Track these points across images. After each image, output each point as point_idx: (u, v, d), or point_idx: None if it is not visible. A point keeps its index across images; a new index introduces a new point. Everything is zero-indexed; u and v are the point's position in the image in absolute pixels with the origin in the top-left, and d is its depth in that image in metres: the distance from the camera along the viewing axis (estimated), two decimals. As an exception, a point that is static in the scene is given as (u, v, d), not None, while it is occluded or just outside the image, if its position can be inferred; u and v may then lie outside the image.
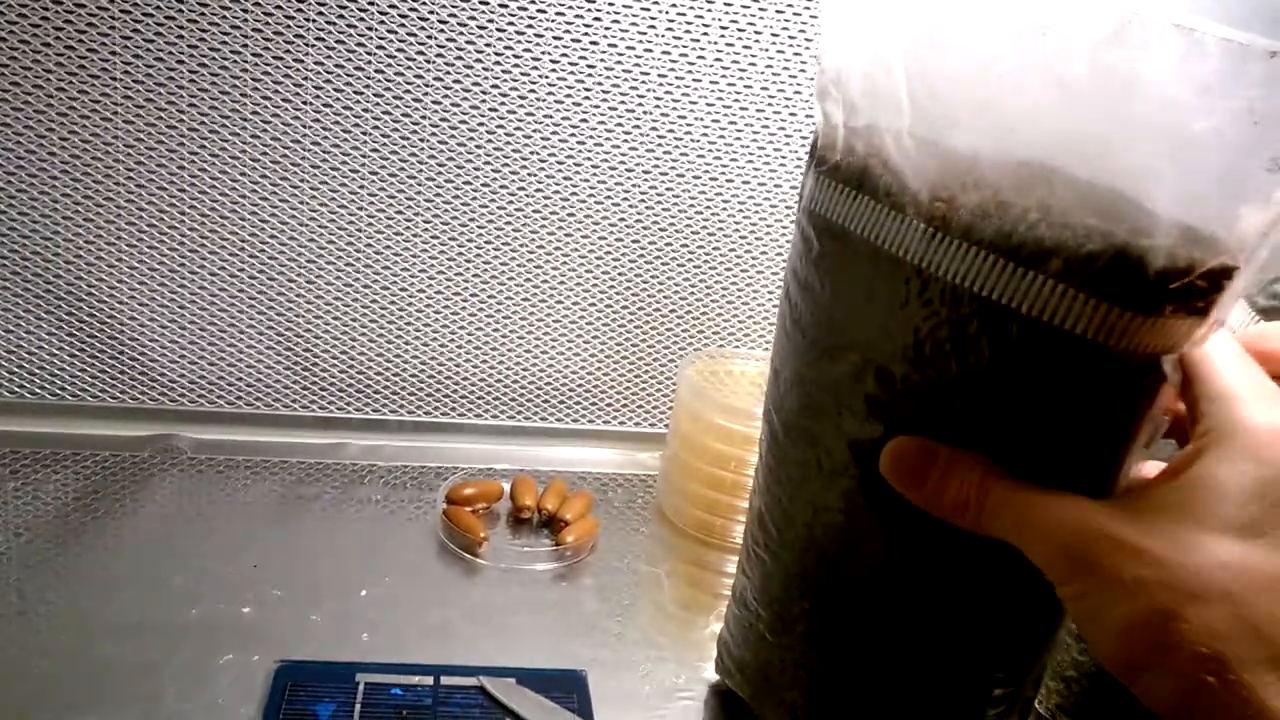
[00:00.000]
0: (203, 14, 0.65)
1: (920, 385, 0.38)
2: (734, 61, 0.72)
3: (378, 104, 0.69)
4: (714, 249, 0.78)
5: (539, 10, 0.68)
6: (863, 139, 0.40)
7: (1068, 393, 0.35)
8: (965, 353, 0.36)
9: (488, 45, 0.69)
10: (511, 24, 0.68)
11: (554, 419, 0.81)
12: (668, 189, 0.75)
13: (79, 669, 0.51)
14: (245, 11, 0.65)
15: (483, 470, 0.74)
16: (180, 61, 0.66)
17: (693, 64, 0.72)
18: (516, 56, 0.69)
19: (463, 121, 0.70)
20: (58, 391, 0.73)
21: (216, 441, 0.74)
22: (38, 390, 0.73)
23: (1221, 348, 0.35)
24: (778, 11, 0.72)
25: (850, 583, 0.44)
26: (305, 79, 0.68)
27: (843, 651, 0.45)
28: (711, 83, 0.73)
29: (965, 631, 0.42)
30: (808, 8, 0.72)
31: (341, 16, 0.66)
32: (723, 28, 0.71)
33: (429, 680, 0.53)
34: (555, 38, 0.69)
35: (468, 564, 0.64)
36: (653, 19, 0.70)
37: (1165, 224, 0.31)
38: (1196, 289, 0.32)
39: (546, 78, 0.70)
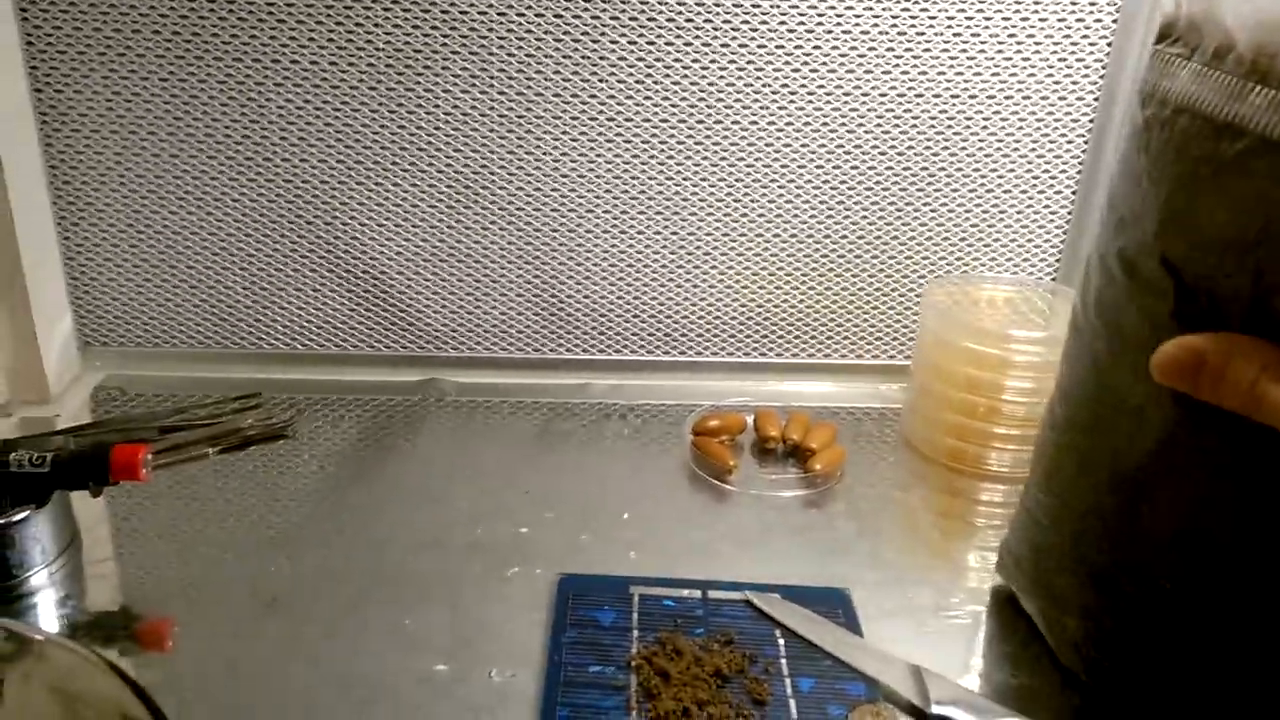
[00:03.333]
0: (453, -19, 0.69)
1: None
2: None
3: (611, 48, 0.72)
4: (956, 171, 0.76)
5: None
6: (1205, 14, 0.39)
7: None
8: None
9: (718, -15, 0.70)
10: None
11: (793, 354, 0.82)
12: (906, 111, 0.74)
13: (386, 579, 0.56)
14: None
15: (725, 405, 0.76)
16: (434, 29, 0.71)
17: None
18: (746, -7, 0.70)
19: (695, 60, 0.72)
20: (340, 344, 0.80)
21: (477, 384, 0.80)
22: (324, 343, 0.80)
23: None
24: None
25: (1131, 469, 0.43)
26: (541, 40, 0.71)
27: (1116, 540, 0.45)
28: None
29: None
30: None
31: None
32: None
33: (698, 594, 0.55)
34: (784, -30, 0.70)
35: (719, 491, 0.66)
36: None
37: None
38: None
39: (777, 4, 0.71)
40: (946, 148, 0.75)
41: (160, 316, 0.78)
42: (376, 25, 0.70)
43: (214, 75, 0.71)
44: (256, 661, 0.50)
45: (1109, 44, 0.72)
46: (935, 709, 0.47)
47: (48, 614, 0.52)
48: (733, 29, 0.71)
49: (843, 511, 0.65)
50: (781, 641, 0.52)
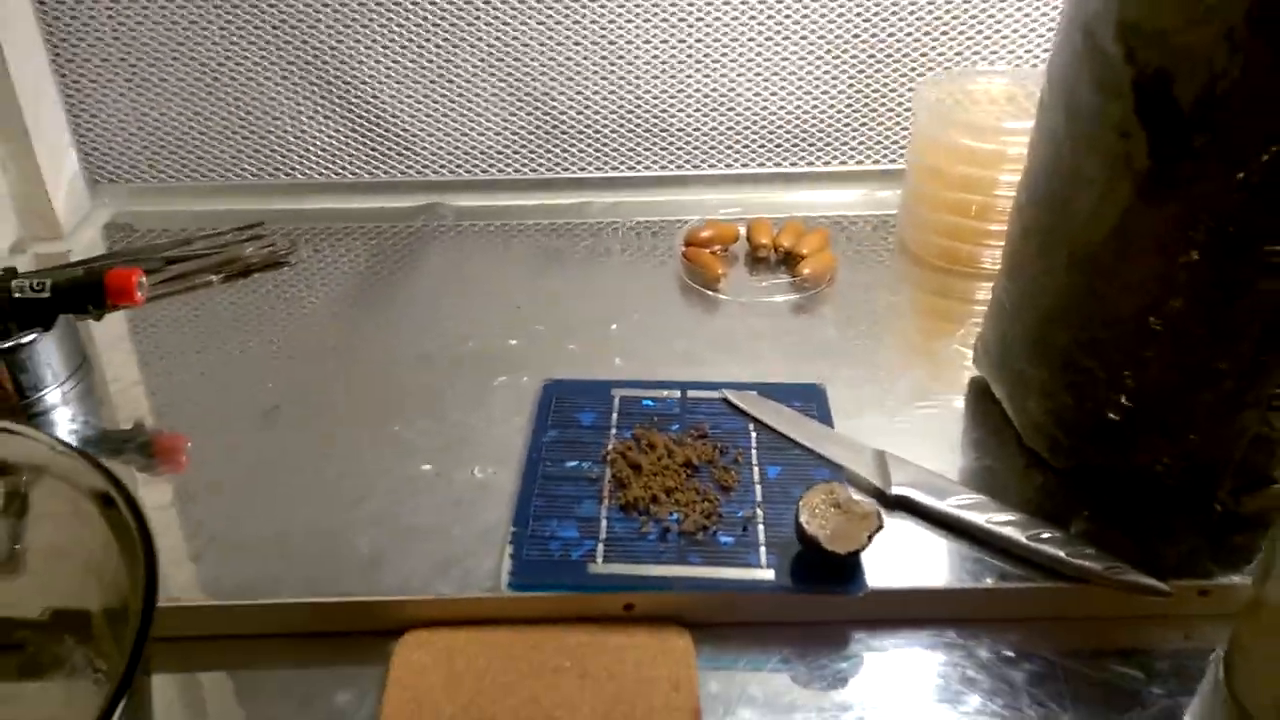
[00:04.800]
0: None
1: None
2: None
3: None
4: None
5: None
6: None
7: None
8: None
9: None
10: None
11: (788, 163, 0.80)
12: None
13: (380, 392, 0.59)
14: None
15: (719, 217, 0.76)
16: None
17: None
18: None
19: None
20: (339, 171, 0.81)
21: (476, 207, 0.80)
22: (324, 172, 0.81)
23: None
24: None
25: (1089, 248, 0.44)
26: None
27: (1075, 320, 0.46)
28: None
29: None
30: None
31: None
32: None
33: (676, 394, 0.57)
34: None
35: (708, 300, 0.67)
36: None
37: None
38: None
39: None
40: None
41: (164, 152, 0.79)
42: None
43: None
44: (258, 466, 0.53)
45: None
46: (895, 490, 0.49)
47: (62, 429, 0.55)
48: None
49: (829, 315, 0.65)
50: (754, 434, 0.54)
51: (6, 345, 0.55)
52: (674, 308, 0.67)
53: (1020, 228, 0.51)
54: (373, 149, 0.80)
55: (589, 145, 0.80)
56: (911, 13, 0.74)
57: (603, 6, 0.74)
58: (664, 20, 0.74)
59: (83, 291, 0.55)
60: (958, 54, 0.75)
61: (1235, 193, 0.39)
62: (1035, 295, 0.50)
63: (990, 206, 0.65)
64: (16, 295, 0.55)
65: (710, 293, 0.67)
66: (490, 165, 0.81)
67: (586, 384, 0.58)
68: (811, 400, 0.56)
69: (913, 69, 0.76)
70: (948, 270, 0.69)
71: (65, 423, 0.56)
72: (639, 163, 0.80)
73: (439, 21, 0.74)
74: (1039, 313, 0.49)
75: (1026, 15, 0.74)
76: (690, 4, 0.74)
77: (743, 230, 0.72)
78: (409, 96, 0.77)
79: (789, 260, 0.69)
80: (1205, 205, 0.41)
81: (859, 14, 0.74)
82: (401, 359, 0.62)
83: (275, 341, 0.64)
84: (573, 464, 0.52)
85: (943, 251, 0.69)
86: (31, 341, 0.55)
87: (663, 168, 0.80)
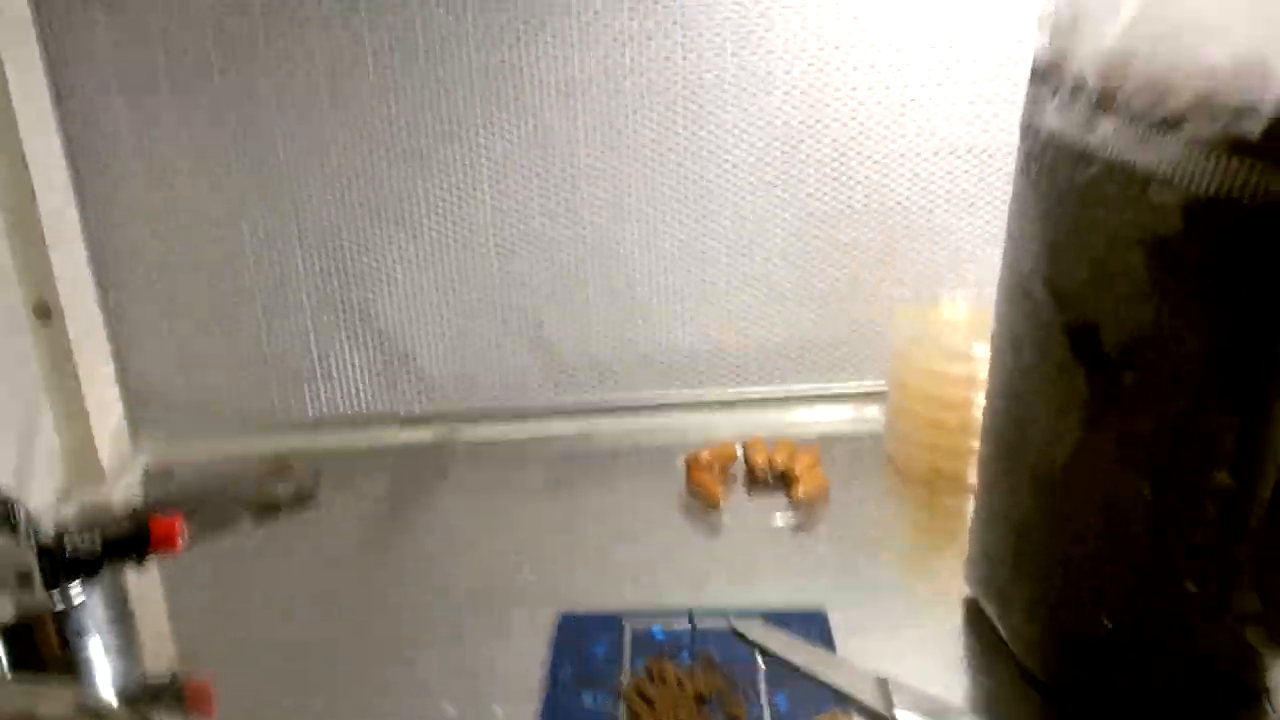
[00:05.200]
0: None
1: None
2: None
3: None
4: (909, 199, 0.80)
5: None
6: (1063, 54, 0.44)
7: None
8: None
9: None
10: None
11: (781, 383, 0.86)
12: (852, 143, 0.79)
13: (402, 628, 0.62)
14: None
15: (717, 440, 0.80)
16: (431, 100, 0.77)
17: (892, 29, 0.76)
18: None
19: (663, 87, 0.77)
20: (358, 405, 0.86)
21: (487, 437, 0.85)
22: (344, 405, 0.86)
23: None
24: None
25: (1049, 471, 0.48)
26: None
27: (1045, 538, 0.50)
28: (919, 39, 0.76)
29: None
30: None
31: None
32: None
33: (686, 623, 0.60)
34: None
35: (711, 522, 0.71)
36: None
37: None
38: None
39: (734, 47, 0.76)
40: (898, 177, 0.80)
41: (199, 396, 0.85)
42: (383, 88, 0.77)
43: (241, 157, 0.78)
44: (287, 710, 0.56)
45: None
46: (899, 715, 0.51)
47: (102, 679, 0.58)
48: (737, 68, 0.77)
49: (825, 535, 0.69)
50: (761, 662, 0.56)
51: (59, 606, 0.58)
52: (679, 531, 0.71)
53: (988, 449, 0.55)
54: (390, 381, 0.86)
55: (590, 374, 0.85)
56: (878, 243, 0.82)
57: (605, 241, 0.81)
58: (661, 256, 0.82)
59: (129, 542, 0.60)
60: (924, 280, 0.82)
61: (1170, 428, 0.44)
62: (1008, 514, 0.54)
63: (968, 424, 0.70)
64: (68, 553, 0.59)
65: (713, 515, 0.71)
66: (499, 396, 0.86)
67: (599, 617, 0.61)
68: (814, 624, 0.59)
69: (887, 296, 0.83)
70: (935, 486, 0.73)
71: (105, 672, 0.59)
72: (637, 389, 0.86)
73: (446, 251, 0.82)
74: (1013, 531, 0.53)
75: (984, 249, 0.82)
76: (668, 229, 0.81)
77: (740, 451, 0.77)
78: (421, 327, 0.84)
79: (784, 480, 0.74)
80: (1146, 438, 0.45)
81: (827, 245, 0.82)
82: (422, 594, 0.65)
83: (300, 580, 0.68)
84: (590, 700, 0.54)
85: (928, 468, 0.73)
86: (80, 596, 0.59)
87: (663, 390, 0.86)
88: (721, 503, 0.72)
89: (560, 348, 0.85)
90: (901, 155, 0.79)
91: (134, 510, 0.71)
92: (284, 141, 0.78)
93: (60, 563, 0.58)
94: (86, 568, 0.60)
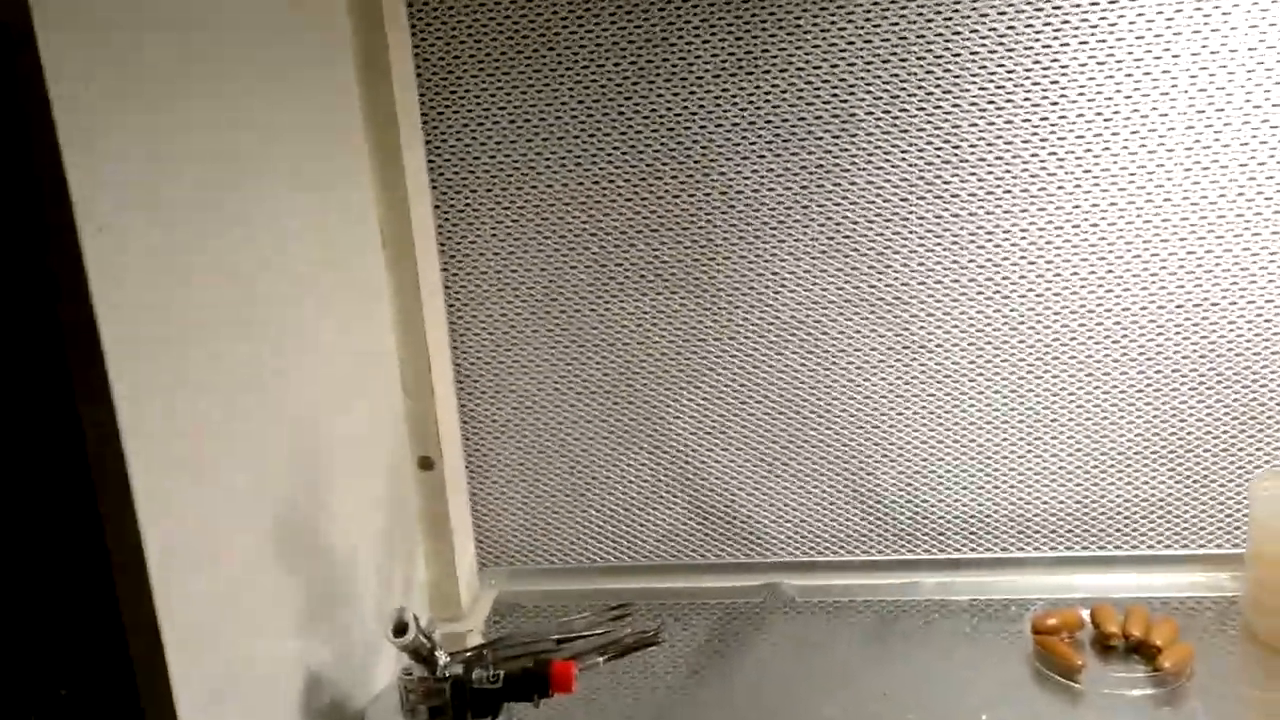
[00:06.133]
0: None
1: None
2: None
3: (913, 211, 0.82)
4: (1271, 363, 0.79)
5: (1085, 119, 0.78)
6: None
7: None
8: None
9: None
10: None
11: (1121, 545, 0.85)
12: (1224, 297, 0.79)
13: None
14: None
15: (1056, 600, 0.80)
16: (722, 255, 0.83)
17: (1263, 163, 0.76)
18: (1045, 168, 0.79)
19: (1009, 245, 0.80)
20: (689, 554, 0.91)
21: (812, 586, 0.87)
22: (675, 554, 0.91)
23: None
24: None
25: None
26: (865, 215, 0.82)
27: None
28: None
29: None
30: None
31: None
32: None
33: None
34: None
35: (1068, 691, 0.70)
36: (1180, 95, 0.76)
37: None
38: None
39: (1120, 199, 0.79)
40: (1262, 338, 0.79)
41: (540, 537, 0.92)
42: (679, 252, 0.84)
43: (589, 350, 0.87)
44: None
45: None
46: None
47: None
48: (1074, 227, 0.80)
49: (1197, 710, 0.67)
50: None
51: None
52: (1034, 698, 0.70)
53: None
54: (719, 532, 0.90)
55: (917, 528, 0.87)
56: (1237, 404, 0.80)
57: (921, 398, 0.84)
58: (993, 404, 0.83)
59: (529, 682, 0.65)
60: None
61: None
62: None
63: (1347, 601, 0.67)
64: (475, 686, 0.65)
65: (1069, 684, 0.70)
66: (824, 547, 0.89)
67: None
68: (1214, 810, 0.57)
69: (1241, 458, 0.81)
70: (1309, 662, 0.69)
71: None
72: (965, 544, 0.87)
73: (780, 415, 0.86)
74: None
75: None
76: (1008, 386, 0.83)
77: (1085, 615, 0.76)
78: (746, 480, 0.88)
79: (1141, 650, 0.72)
80: None
81: (1186, 403, 0.81)
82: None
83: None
84: None
85: (1300, 643, 0.70)
86: (485, 731, 0.65)
87: (989, 549, 0.86)
88: (1080, 673, 0.70)
89: (883, 501, 0.87)
90: (1268, 320, 0.79)
91: (516, 654, 0.78)
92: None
93: (468, 697, 0.64)
94: (488, 703, 0.65)
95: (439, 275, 0.85)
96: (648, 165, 0.82)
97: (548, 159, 0.83)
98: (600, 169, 0.82)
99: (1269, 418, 0.80)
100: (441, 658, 0.66)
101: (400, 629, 0.61)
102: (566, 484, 0.91)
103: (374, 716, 0.69)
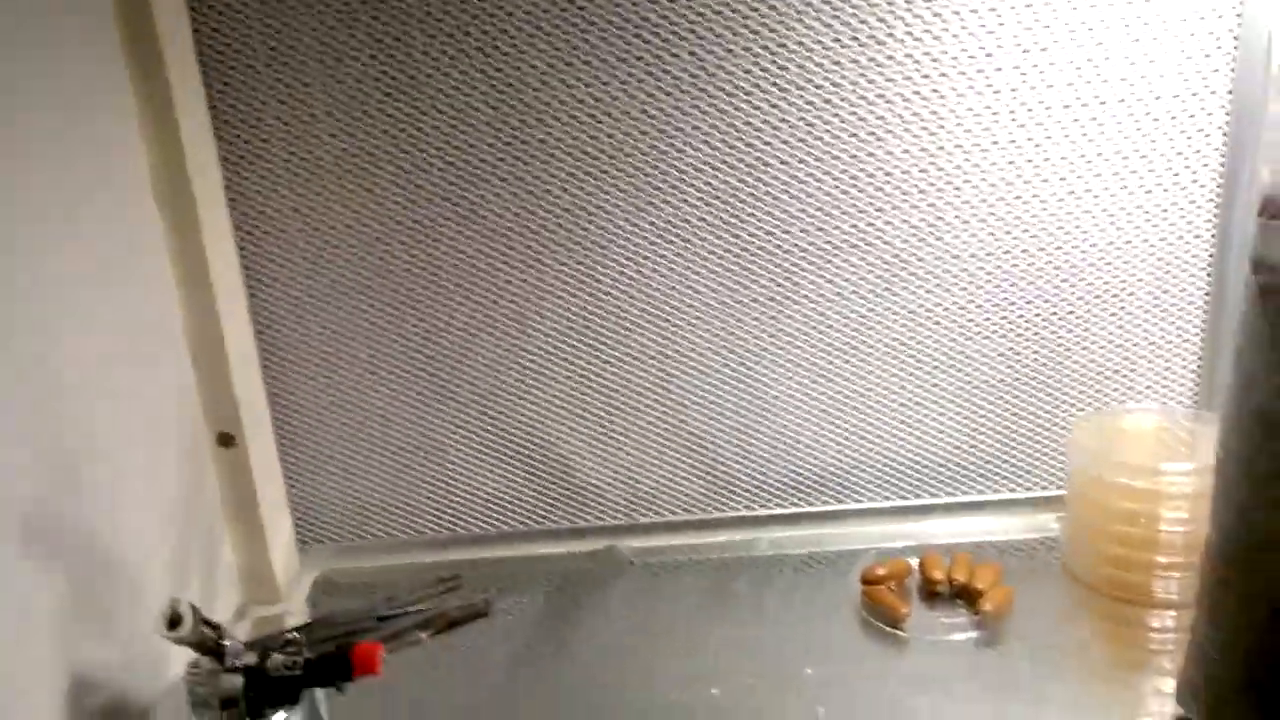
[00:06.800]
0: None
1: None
2: (1130, 117, 0.76)
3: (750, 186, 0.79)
4: (1088, 307, 0.80)
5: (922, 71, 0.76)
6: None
7: None
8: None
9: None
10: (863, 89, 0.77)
11: (953, 492, 0.85)
12: (1035, 244, 0.79)
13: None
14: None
15: (886, 550, 0.80)
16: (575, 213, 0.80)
17: (1094, 116, 0.76)
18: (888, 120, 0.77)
19: (831, 203, 0.79)
20: (521, 522, 0.87)
21: (649, 549, 0.85)
22: (505, 523, 0.88)
23: None
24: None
25: None
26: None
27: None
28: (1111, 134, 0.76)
29: None
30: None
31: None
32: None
33: (890, 748, 0.58)
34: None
35: (893, 638, 0.70)
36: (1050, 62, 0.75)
37: None
38: None
39: (910, 149, 0.77)
40: (1075, 288, 0.80)
41: (365, 511, 0.87)
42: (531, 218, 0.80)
43: (401, 309, 0.81)
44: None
45: (1222, 164, 0.76)
46: None
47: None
48: (895, 187, 0.78)
49: (1016, 651, 0.67)
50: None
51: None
52: (861, 647, 0.69)
53: (1213, 580, 0.53)
54: (551, 498, 0.87)
55: (751, 485, 0.86)
56: (1056, 353, 0.81)
57: (753, 353, 0.82)
58: (810, 361, 0.82)
59: (330, 666, 0.60)
60: (1099, 391, 0.81)
61: None
62: (1241, 644, 0.51)
63: (1154, 539, 0.68)
64: (271, 673, 0.60)
65: (894, 632, 0.70)
66: (661, 508, 0.86)
67: (797, 740, 0.60)
68: (1025, 751, 0.57)
69: (1062, 404, 0.82)
70: (1121, 599, 0.71)
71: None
72: (801, 499, 0.86)
73: (610, 373, 0.83)
74: (1247, 662, 0.51)
75: (1161, 357, 0.80)
76: (836, 344, 0.82)
77: (913, 563, 0.76)
78: (580, 443, 0.85)
79: (965, 595, 0.72)
80: None
81: (1003, 353, 0.82)
82: (599, 707, 0.65)
83: (471, 695, 0.68)
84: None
85: (1112, 581, 0.71)
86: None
87: (824, 503, 0.86)
88: (905, 620, 0.70)
89: (721, 460, 0.85)
90: (1074, 266, 0.79)
91: (334, 635, 0.73)
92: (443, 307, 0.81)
93: (263, 687, 0.59)
94: (288, 693, 0.60)
95: (231, 237, 0.78)
96: (457, 110, 0.77)
97: (346, 104, 0.76)
98: (406, 114, 0.77)
99: (1091, 360, 0.81)
100: (233, 646, 0.61)
101: (174, 621, 0.56)
102: (390, 454, 0.86)
103: (161, 714, 0.64)
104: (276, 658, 0.61)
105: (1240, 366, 0.50)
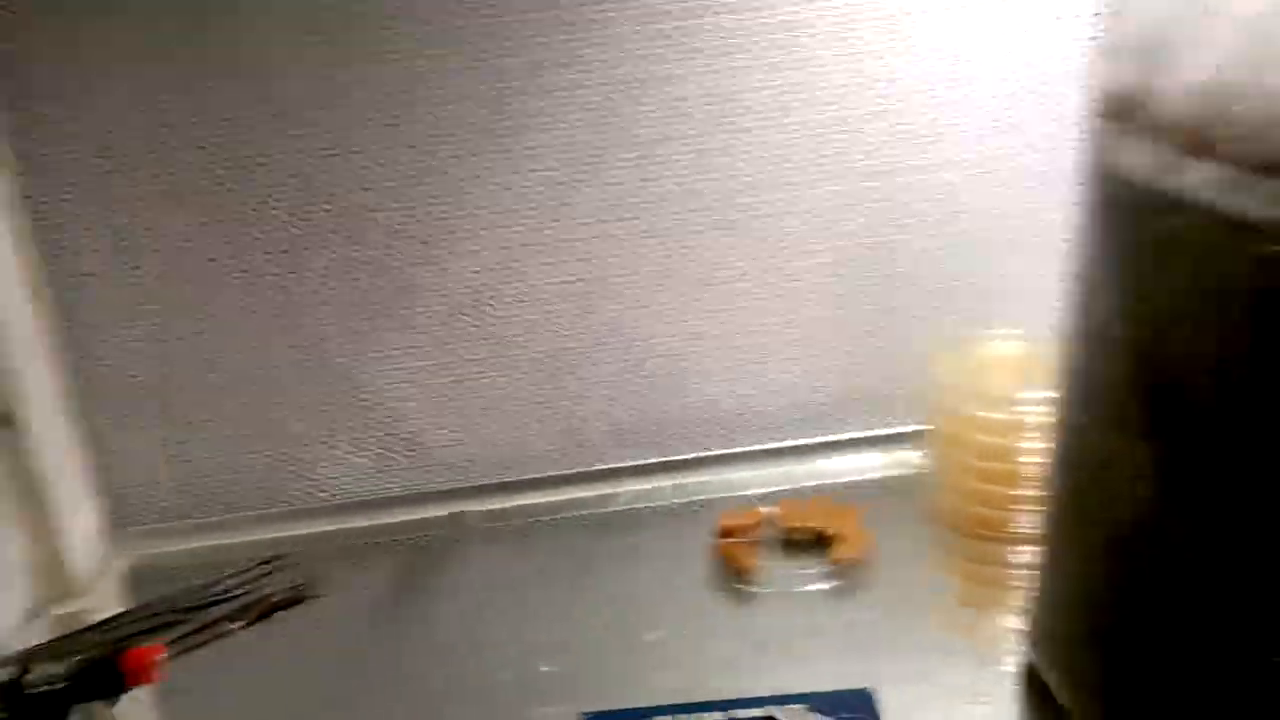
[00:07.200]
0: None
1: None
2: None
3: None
4: (947, 234, 0.76)
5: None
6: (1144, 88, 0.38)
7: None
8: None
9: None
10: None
11: (815, 433, 0.80)
12: (888, 174, 0.74)
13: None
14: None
15: (747, 497, 0.75)
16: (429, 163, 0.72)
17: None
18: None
19: (659, 124, 0.72)
20: (359, 489, 0.81)
21: (501, 511, 0.79)
22: (343, 490, 0.81)
23: None
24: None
25: (1122, 533, 0.43)
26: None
27: (1117, 607, 0.45)
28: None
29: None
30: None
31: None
32: None
33: (721, 717, 0.54)
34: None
35: (745, 594, 0.65)
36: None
37: None
38: None
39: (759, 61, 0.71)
40: (930, 205, 0.75)
41: (187, 490, 0.80)
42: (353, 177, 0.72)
43: (225, 256, 0.73)
44: None
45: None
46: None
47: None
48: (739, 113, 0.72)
49: (871, 600, 0.63)
50: (809, 758, 0.50)
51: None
52: (710, 606, 0.64)
53: (1055, 508, 0.50)
54: (395, 465, 0.80)
55: (605, 436, 0.80)
56: (912, 281, 0.76)
57: (606, 282, 0.76)
58: (660, 303, 0.77)
59: (99, 675, 0.54)
60: (964, 318, 0.77)
61: (1267, 498, 0.38)
62: (1075, 579, 0.48)
63: (1014, 473, 0.64)
64: (28, 691, 0.53)
65: (744, 587, 0.65)
66: (515, 467, 0.80)
67: (628, 713, 0.55)
68: (861, 710, 0.53)
69: (921, 334, 0.77)
70: (983, 536, 0.67)
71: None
72: (656, 449, 0.80)
73: (451, 326, 0.77)
74: (1083, 599, 0.48)
75: (1025, 283, 0.76)
76: (684, 278, 0.76)
77: (772, 511, 0.71)
78: (421, 402, 0.78)
79: (822, 542, 0.67)
80: (1235, 508, 0.39)
81: (859, 282, 0.76)
82: (435, 693, 0.60)
83: (306, 687, 0.62)
84: (620, 819, 0.48)
85: (975, 518, 0.67)
86: (46, 741, 0.53)
87: (681, 451, 0.80)
88: (754, 574, 0.65)
89: (572, 411, 0.79)
90: (938, 187, 0.74)
91: (106, 640, 0.66)
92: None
93: (19, 705, 0.53)
94: (52, 707, 0.54)
95: (11, 186, 0.69)
96: (261, 38, 0.68)
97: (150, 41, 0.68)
98: (210, 47, 0.68)
99: (954, 286, 0.77)
100: (-16, 660, 0.54)
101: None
102: (213, 426, 0.78)
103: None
104: (36, 674, 0.54)
105: (1077, 284, 0.45)
